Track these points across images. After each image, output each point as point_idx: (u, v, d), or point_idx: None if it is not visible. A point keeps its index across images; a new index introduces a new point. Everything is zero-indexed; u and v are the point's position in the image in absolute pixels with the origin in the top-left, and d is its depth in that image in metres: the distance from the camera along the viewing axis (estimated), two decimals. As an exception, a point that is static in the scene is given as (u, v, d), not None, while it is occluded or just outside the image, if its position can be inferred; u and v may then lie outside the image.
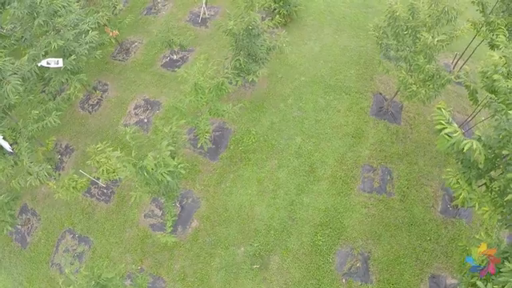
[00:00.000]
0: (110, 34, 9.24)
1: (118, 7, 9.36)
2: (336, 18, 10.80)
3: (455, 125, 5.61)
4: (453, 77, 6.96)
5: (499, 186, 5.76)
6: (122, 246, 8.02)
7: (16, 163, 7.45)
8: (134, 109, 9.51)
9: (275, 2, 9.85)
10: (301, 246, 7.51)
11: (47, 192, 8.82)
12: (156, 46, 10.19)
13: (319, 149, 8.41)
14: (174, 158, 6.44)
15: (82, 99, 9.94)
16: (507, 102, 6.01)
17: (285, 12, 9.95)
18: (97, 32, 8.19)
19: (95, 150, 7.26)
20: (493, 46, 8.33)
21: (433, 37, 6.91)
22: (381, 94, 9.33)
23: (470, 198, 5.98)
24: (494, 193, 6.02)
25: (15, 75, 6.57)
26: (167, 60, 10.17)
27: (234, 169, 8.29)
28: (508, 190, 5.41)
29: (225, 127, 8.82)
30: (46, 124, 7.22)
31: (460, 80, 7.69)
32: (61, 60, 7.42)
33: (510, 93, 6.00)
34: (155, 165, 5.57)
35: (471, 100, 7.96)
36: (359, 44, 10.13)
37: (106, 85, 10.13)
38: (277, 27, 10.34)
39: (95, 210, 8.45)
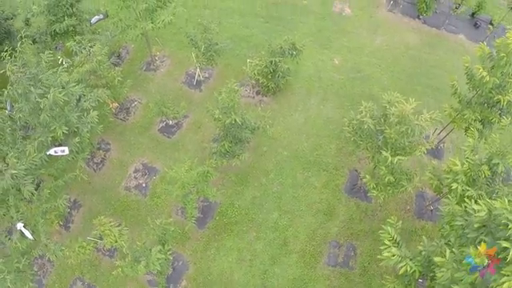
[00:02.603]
0: (111, 105, 10.83)
1: (116, 79, 10.83)
2: (323, 86, 11.98)
3: (395, 250, 7.10)
4: (410, 188, 8.36)
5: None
6: (123, 297, 10.27)
7: (33, 232, 9.52)
8: (134, 172, 11.35)
9: (263, 77, 11.07)
10: (270, 310, 9.56)
11: (59, 240, 10.98)
12: (154, 109, 11.71)
13: (293, 224, 10.17)
14: (164, 245, 8.37)
15: (87, 157, 11.78)
16: (452, 223, 7.35)
17: (273, 85, 11.20)
18: (97, 112, 9.78)
19: (100, 222, 9.23)
20: (467, 132, 9.53)
21: (397, 148, 8.22)
22: (356, 170, 10.80)
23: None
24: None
25: (30, 176, 8.39)
26: (163, 125, 11.79)
27: (219, 238, 10.20)
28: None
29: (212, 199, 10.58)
30: (57, 206, 9.15)
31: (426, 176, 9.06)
32: (66, 148, 9.20)
33: (457, 214, 7.29)
34: (146, 264, 7.50)
35: (435, 191, 9.39)
36: (343, 115, 11.41)
37: (109, 144, 11.92)
38: (265, 95, 11.71)
39: (101, 262, 10.64)
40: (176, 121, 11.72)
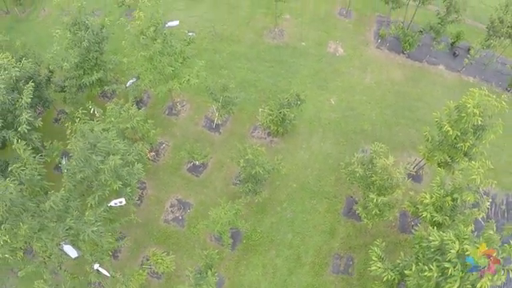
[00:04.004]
0: (148, 154, 13.89)
1: (151, 131, 13.83)
2: (322, 125, 15.28)
3: (380, 264, 10.80)
4: (391, 217, 11.97)
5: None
6: (172, 308, 13.90)
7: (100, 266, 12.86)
8: (170, 207, 14.65)
9: (274, 124, 14.25)
10: (290, 309, 13.39)
11: (109, 268, 14.34)
12: (185, 156, 14.71)
13: (304, 243, 13.80)
14: (211, 269, 11.88)
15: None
16: (420, 243, 11.02)
17: (282, 129, 14.42)
18: (142, 165, 12.82)
19: (153, 253, 12.63)
20: (440, 165, 13.10)
21: (381, 188, 11.74)
22: (352, 197, 14.37)
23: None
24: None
25: (103, 227, 11.57)
26: (191, 165, 14.97)
27: (246, 257, 13.79)
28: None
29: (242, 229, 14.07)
30: (119, 246, 12.44)
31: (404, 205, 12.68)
32: (123, 199, 12.36)
33: (424, 237, 10.92)
34: (206, 286, 11.03)
35: (412, 215, 13.06)
36: (339, 150, 14.83)
37: (144, 183, 15.09)
38: (275, 137, 15.00)
39: (150, 284, 14.13)
40: (202, 162, 14.90)
